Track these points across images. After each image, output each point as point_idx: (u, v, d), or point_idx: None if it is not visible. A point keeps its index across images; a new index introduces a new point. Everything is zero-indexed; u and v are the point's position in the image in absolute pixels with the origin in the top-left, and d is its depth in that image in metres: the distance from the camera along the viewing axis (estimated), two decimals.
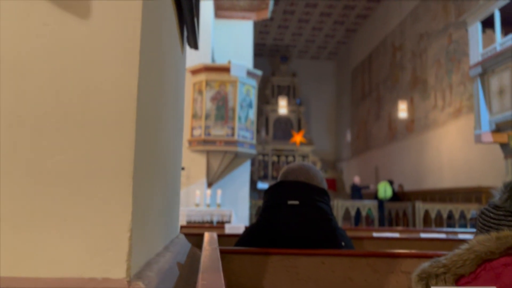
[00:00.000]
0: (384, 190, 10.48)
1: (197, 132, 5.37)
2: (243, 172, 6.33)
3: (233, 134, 5.33)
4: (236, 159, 5.86)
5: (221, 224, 4.90)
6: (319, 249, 1.40)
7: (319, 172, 1.60)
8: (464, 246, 0.92)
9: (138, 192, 0.80)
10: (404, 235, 2.49)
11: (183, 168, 5.29)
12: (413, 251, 1.51)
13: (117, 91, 0.75)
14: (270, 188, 1.55)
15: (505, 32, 6.26)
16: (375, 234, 2.40)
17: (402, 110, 10.31)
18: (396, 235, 2.45)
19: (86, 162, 0.72)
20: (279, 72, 18.49)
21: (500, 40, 6.02)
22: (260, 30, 16.62)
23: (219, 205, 5.18)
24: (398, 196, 11.06)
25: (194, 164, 5.51)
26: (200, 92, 5.40)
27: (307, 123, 18.45)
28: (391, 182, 11.06)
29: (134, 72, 0.77)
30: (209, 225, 2.72)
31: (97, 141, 0.72)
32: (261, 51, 18.89)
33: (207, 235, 1.94)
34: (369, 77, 15.96)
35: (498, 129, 5.86)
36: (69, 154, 0.72)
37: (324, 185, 1.57)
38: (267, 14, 6.15)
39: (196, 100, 5.44)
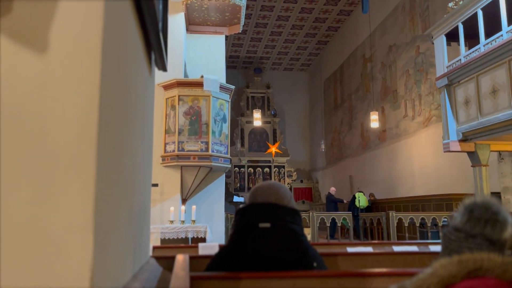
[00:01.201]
0: (364, 199, 10.67)
1: (170, 148, 5.32)
2: (218, 186, 6.29)
3: (207, 149, 5.30)
4: (210, 173, 5.82)
5: (195, 243, 4.84)
6: (290, 271, 1.39)
7: (287, 190, 1.60)
8: (428, 270, 0.93)
9: (101, 225, 0.78)
10: (377, 249, 2.52)
11: (156, 185, 5.22)
12: (383, 269, 1.53)
13: (77, 122, 0.74)
14: (240, 210, 1.54)
15: (469, 44, 6.50)
16: (349, 250, 2.41)
17: (374, 121, 10.52)
18: (370, 249, 2.47)
19: (43, 198, 0.69)
20: (253, 84, 18.60)
21: (464, 53, 6.24)
22: (234, 42, 16.72)
23: (194, 221, 5.11)
24: (370, 206, 11.25)
25: (168, 180, 5.44)
26: (173, 107, 5.36)
27: (282, 134, 18.58)
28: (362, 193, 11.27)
29: (94, 102, 0.75)
30: (183, 245, 2.68)
31: (53, 175, 0.70)
32: (235, 64, 18.98)
33: (179, 259, 1.91)
34: (341, 88, 16.24)
35: (465, 138, 6.04)
36: (25, 190, 0.69)
37: (293, 204, 1.57)
38: (239, 28, 6.18)
39: (169, 116, 5.39)
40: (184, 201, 5.67)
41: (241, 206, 1.57)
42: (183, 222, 5.15)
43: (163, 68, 1.80)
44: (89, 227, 0.73)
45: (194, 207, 5.21)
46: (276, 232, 1.45)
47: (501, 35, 5.49)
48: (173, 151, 5.28)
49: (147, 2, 1.21)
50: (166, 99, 5.45)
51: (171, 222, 5.14)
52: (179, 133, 5.27)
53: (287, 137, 19.33)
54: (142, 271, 1.42)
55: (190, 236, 4.95)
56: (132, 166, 1.25)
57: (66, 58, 0.75)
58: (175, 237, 4.88)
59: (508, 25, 5.44)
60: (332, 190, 12.11)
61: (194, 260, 1.99)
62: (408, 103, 10.99)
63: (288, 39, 16.60)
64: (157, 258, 1.94)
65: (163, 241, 4.86)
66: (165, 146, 5.38)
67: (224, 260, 1.48)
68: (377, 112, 11.20)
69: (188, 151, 5.29)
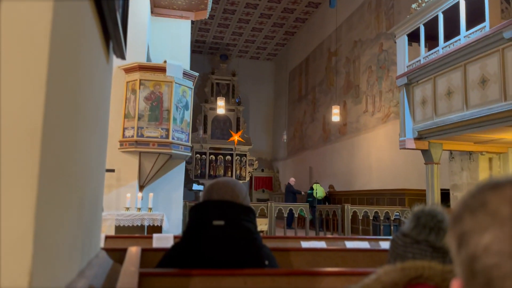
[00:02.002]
0: (320, 190, 10.89)
1: (129, 133, 5.18)
2: (178, 174, 6.22)
3: (167, 136, 5.21)
4: (170, 160, 5.74)
5: (151, 231, 4.78)
6: (242, 269, 1.40)
7: (243, 188, 1.60)
8: (373, 276, 0.96)
9: (44, 225, 0.75)
10: (331, 244, 2.58)
11: (113, 170, 5.09)
12: (333, 269, 1.57)
13: (19, 116, 0.70)
14: (195, 207, 1.53)
15: (429, 46, 6.70)
16: (303, 244, 2.46)
17: (335, 115, 10.71)
18: (323, 244, 2.53)
19: None
20: (218, 70, 18.41)
21: (424, 54, 6.44)
22: (200, 27, 16.43)
23: (150, 209, 5.03)
24: (328, 197, 11.52)
25: (125, 165, 5.31)
26: (134, 91, 5.21)
27: (246, 122, 18.57)
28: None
29: (40, 95, 0.71)
30: (138, 236, 2.63)
31: None
32: (200, 48, 18.69)
33: (131, 252, 1.87)
34: (306, 80, 16.40)
35: (420, 136, 6.27)
36: None
37: (248, 201, 1.58)
38: (205, 14, 6.07)
39: (129, 100, 5.23)
40: (141, 188, 5.57)
41: (196, 203, 1.56)
42: (139, 209, 5.06)
43: (122, 56, 1.74)
44: (30, 229, 0.70)
45: (151, 194, 5.12)
46: (230, 230, 1.45)
47: (459, 39, 5.70)
48: (132, 136, 5.16)
49: None
50: (127, 82, 5.29)
51: (127, 209, 5.03)
52: (139, 119, 5.15)
53: (251, 126, 19.36)
54: (90, 266, 1.38)
55: (146, 224, 4.88)
56: (83, 159, 1.21)
57: (10, 49, 0.71)
58: (131, 225, 4.79)
59: (467, 30, 5.66)
60: (292, 180, 12.29)
61: (147, 253, 1.96)
62: (369, 99, 11.26)
63: (256, 27, 16.52)
64: (109, 250, 1.90)
65: (117, 228, 4.76)
66: (123, 131, 5.24)
67: (177, 257, 1.46)
68: (339, 106, 11.41)
69: (147, 137, 5.18)
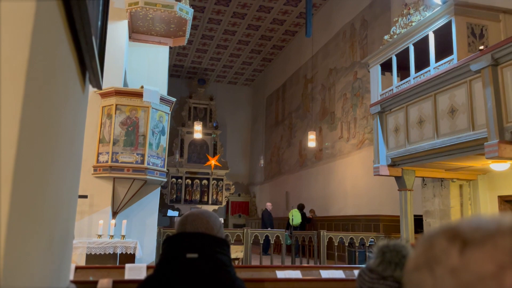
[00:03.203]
0: (293, 216, 10.83)
1: (103, 158, 5.10)
2: (152, 200, 6.12)
3: (142, 161, 5.15)
4: (145, 186, 5.65)
5: (124, 260, 4.65)
6: None
7: (217, 219, 1.59)
8: None
9: (10, 266, 0.73)
10: (306, 273, 2.58)
11: (85, 196, 4.97)
12: None
13: None
14: (168, 239, 1.51)
15: (401, 76, 6.93)
16: (278, 274, 2.45)
17: (311, 140, 10.84)
18: (298, 274, 2.53)
19: None
20: (196, 94, 18.46)
21: (396, 83, 6.65)
22: (179, 52, 16.54)
23: (123, 236, 4.91)
24: (309, 219, 11.46)
25: (98, 191, 5.19)
26: (109, 116, 5.16)
27: (223, 146, 18.56)
28: (302, 207, 11.45)
29: (14, 126, 0.71)
30: (109, 266, 2.56)
31: None
32: (178, 73, 18.76)
33: (101, 285, 1.82)
34: (283, 105, 16.62)
35: (394, 163, 6.41)
36: None
37: (222, 233, 1.57)
38: (184, 41, 6.13)
39: (104, 124, 5.17)
40: (114, 214, 5.45)
41: (169, 235, 1.54)
42: (112, 237, 4.93)
43: (98, 86, 1.74)
44: None
45: (124, 221, 5.01)
46: (204, 263, 1.44)
47: (429, 70, 5.93)
48: (106, 161, 5.07)
49: (83, 27, 1.17)
50: (103, 107, 5.24)
51: (99, 236, 4.90)
52: (114, 143, 5.08)
53: (228, 150, 19.36)
54: None
55: (118, 252, 4.75)
56: (55, 192, 1.19)
57: None
58: (103, 253, 4.65)
59: (436, 61, 5.90)
60: (268, 205, 12.26)
61: (119, 286, 1.92)
62: (344, 125, 11.47)
63: (234, 53, 16.75)
64: (78, 283, 1.84)
65: (89, 256, 4.61)
66: (97, 156, 5.15)
67: None
68: (315, 132, 11.57)
69: (122, 162, 5.11)
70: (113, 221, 5.09)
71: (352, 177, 10.70)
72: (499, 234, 0.38)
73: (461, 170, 6.35)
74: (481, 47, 4.90)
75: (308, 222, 11.37)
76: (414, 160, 6.03)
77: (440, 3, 5.90)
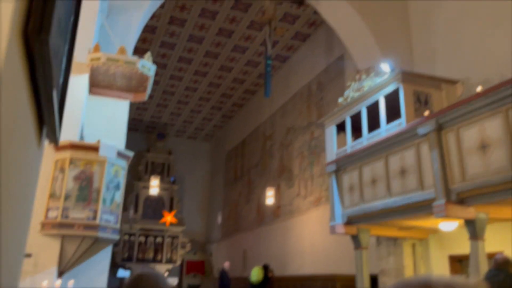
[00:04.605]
0: (256, 274, 10.57)
1: (52, 214, 4.85)
2: (103, 259, 5.81)
3: (94, 218, 4.94)
4: (95, 244, 5.38)
5: None
6: None
7: (167, 281, 1.56)
8: None
9: None
10: None
11: (29, 255, 4.65)
12: None
13: None
14: None
15: (355, 136, 7.25)
16: None
17: (270, 197, 10.88)
18: None
19: None
20: (154, 148, 18.28)
21: (350, 143, 6.94)
22: (138, 106, 16.55)
23: None
24: (269, 279, 11.17)
25: (44, 250, 4.88)
26: (62, 170, 4.98)
27: (180, 202, 18.17)
28: (266, 267, 11.20)
29: None
30: None
31: None
32: (137, 126, 18.63)
33: None
34: (242, 161, 16.73)
35: (349, 222, 6.51)
36: None
37: None
38: (144, 96, 6.17)
39: (56, 179, 4.97)
40: (60, 274, 5.10)
41: None
42: None
43: (55, 142, 1.72)
44: None
45: (71, 281, 4.69)
46: None
47: (380, 132, 6.26)
48: (56, 218, 4.82)
49: (45, 85, 1.19)
50: (56, 160, 5.07)
51: None
52: (65, 199, 4.87)
53: (185, 206, 18.95)
54: None
55: None
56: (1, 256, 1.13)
57: None
58: None
59: (387, 124, 6.25)
60: (226, 265, 11.91)
61: None
62: (301, 183, 11.65)
63: (194, 109, 16.96)
64: None
65: None
66: (46, 212, 4.90)
67: None
68: (273, 189, 11.64)
69: (72, 218, 4.88)
70: (58, 282, 4.75)
71: (310, 235, 10.71)
72: None
73: (413, 229, 6.54)
74: (426, 113, 5.27)
75: (267, 282, 11.10)
76: (369, 219, 6.17)
77: (388, 71, 6.37)
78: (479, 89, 4.45)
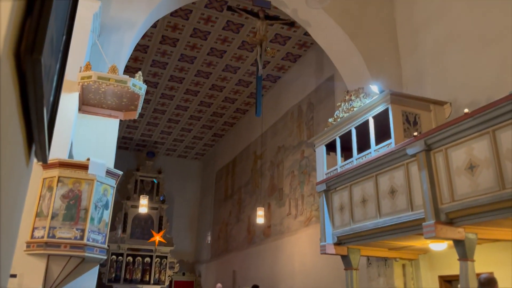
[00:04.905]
0: None
1: (39, 233, 4.76)
2: (89, 279, 5.69)
3: (82, 237, 4.85)
4: (82, 264, 5.28)
5: None
6: None
7: None
8: None
9: None
10: None
11: (14, 276, 4.55)
12: None
13: None
14: None
15: (345, 156, 7.29)
16: None
17: (260, 216, 10.82)
18: None
19: None
20: (144, 167, 18.15)
21: (340, 163, 6.97)
22: (129, 124, 16.50)
23: None
24: None
25: (29, 269, 4.77)
26: (50, 188, 4.92)
27: (169, 222, 17.97)
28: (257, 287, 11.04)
29: None
30: None
31: None
32: (127, 145, 18.53)
33: None
34: (232, 180, 16.66)
35: (340, 242, 6.49)
36: None
37: None
38: (135, 115, 6.17)
39: (43, 197, 4.90)
40: None
41: None
42: None
43: (44, 161, 1.70)
44: None
45: None
46: None
47: (370, 152, 6.31)
48: (42, 237, 4.73)
49: (35, 104, 1.19)
50: (44, 179, 5.00)
51: None
52: (52, 218, 4.78)
53: (174, 226, 18.73)
54: None
55: None
56: None
57: None
58: None
59: (376, 144, 6.30)
60: (219, 286, 11.70)
61: None
62: (292, 202, 11.62)
63: (185, 128, 16.95)
64: None
65: None
66: (32, 231, 4.81)
67: None
68: (263, 208, 11.59)
69: (59, 238, 4.79)
70: None
71: (300, 255, 10.62)
72: None
73: (403, 250, 6.53)
74: (415, 133, 5.33)
75: None
76: (359, 239, 6.15)
77: (377, 92, 6.46)
78: (466, 111, 4.52)
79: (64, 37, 1.66)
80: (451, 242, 4.91)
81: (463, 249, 4.59)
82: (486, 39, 6.48)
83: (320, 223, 6.94)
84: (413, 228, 5.11)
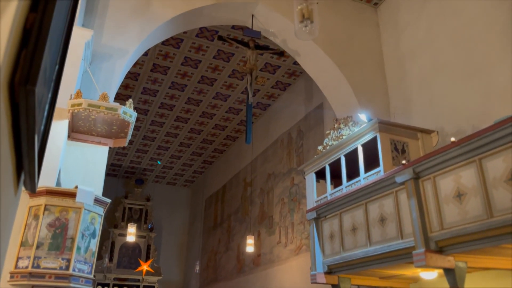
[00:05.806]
0: None
1: (23, 263, 4.63)
2: None
3: (67, 267, 4.73)
4: None
5: None
6: None
7: None
8: None
9: None
10: None
11: None
12: None
13: None
14: None
15: (335, 183, 7.31)
16: None
17: (250, 245, 10.69)
18: None
19: None
20: (133, 194, 17.93)
21: (330, 191, 6.98)
22: (118, 151, 16.40)
23: None
24: None
25: None
26: (36, 217, 4.82)
27: (157, 250, 17.63)
28: None
29: None
30: None
31: None
32: (115, 172, 18.36)
33: None
34: (222, 208, 16.52)
35: (330, 271, 6.41)
36: None
37: None
38: (125, 142, 6.15)
39: (29, 226, 4.80)
40: None
41: None
42: None
43: (32, 190, 1.69)
44: None
45: None
46: None
47: (359, 180, 6.34)
48: (26, 267, 4.60)
49: (27, 134, 1.19)
50: (30, 207, 4.91)
51: None
52: (38, 247, 4.67)
53: (162, 254, 18.37)
54: None
55: None
56: None
57: None
58: None
59: (365, 172, 6.34)
60: None
61: None
62: (282, 230, 11.52)
63: (175, 155, 16.89)
64: None
65: None
66: (17, 261, 4.68)
67: None
68: (253, 236, 11.46)
69: (44, 268, 4.66)
70: None
71: (290, 284, 10.45)
72: None
73: (394, 278, 6.48)
74: (404, 161, 5.38)
75: None
76: (349, 268, 6.09)
77: (366, 120, 6.56)
78: (452, 139, 4.60)
79: (57, 66, 1.68)
80: (441, 271, 4.89)
81: (453, 278, 4.57)
82: (470, 69, 6.67)
83: (311, 251, 6.87)
84: (403, 256, 5.09)
